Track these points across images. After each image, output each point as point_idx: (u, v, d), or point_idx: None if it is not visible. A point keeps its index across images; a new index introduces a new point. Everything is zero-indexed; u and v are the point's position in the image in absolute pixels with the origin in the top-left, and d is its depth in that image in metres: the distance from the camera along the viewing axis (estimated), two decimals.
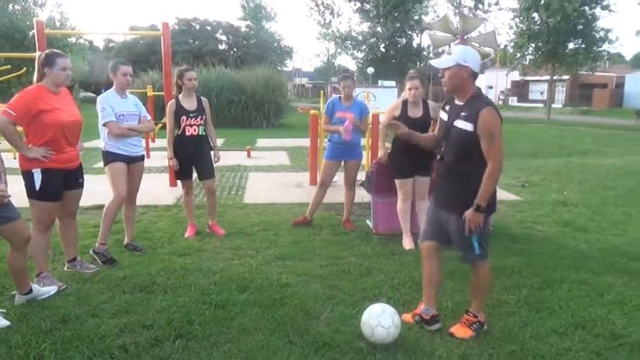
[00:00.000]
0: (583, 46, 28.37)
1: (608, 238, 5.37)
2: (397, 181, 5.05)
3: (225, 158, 10.83)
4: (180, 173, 5.15)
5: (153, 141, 13.18)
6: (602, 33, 28.31)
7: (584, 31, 27.90)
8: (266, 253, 4.71)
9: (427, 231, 3.32)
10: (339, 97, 5.52)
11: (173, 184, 7.67)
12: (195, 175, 5.23)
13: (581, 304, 3.63)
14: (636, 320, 3.40)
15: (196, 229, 5.32)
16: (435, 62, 3.07)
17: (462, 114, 2.98)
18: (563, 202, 7.05)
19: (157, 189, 7.57)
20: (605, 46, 29.18)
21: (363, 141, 6.58)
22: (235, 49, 48.67)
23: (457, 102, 3.08)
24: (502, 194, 7.31)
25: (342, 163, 5.61)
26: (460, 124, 2.98)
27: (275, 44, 53.54)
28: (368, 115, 5.71)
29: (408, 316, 3.40)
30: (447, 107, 3.17)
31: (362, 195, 6.26)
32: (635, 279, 4.12)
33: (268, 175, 9.28)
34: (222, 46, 50.70)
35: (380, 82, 14.42)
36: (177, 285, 3.86)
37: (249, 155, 11.63)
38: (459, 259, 3.19)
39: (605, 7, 27.72)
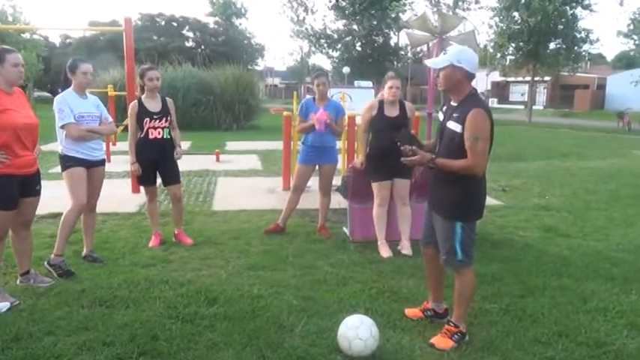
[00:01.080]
0: (564, 46, 29.17)
1: (591, 244, 5.50)
2: (374, 185, 5.08)
3: (193, 162, 10.74)
4: (143, 178, 5.09)
5: (114, 144, 12.98)
6: (583, 33, 29.16)
7: (564, 31, 28.68)
8: (236, 263, 4.67)
9: (424, 236, 3.44)
10: (313, 97, 5.54)
11: (136, 190, 7.56)
12: (159, 180, 5.17)
13: (564, 311, 3.71)
14: (620, 327, 3.48)
15: (161, 238, 5.26)
16: (429, 62, 3.19)
17: (454, 115, 3.07)
18: (545, 207, 7.20)
19: (119, 195, 7.46)
20: (586, 47, 30.11)
21: (339, 144, 6.61)
22: (203, 47, 48.36)
23: (452, 103, 3.17)
24: None
25: (317, 167, 5.62)
26: (451, 125, 3.07)
27: (246, 42, 53.38)
28: (344, 117, 5.74)
29: (414, 311, 3.56)
30: (444, 108, 3.26)
31: (338, 200, 6.27)
32: (618, 285, 4.23)
33: (238, 180, 9.23)
34: (189, 44, 50.32)
35: (356, 82, 14.54)
36: (140, 298, 3.80)
37: (218, 159, 11.54)
38: (441, 261, 3.25)
39: (586, 7, 28.56)
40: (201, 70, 22.42)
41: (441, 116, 3.25)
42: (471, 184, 3.07)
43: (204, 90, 20.92)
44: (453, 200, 3.08)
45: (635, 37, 27.04)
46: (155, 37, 46.60)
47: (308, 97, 5.65)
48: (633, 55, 36.21)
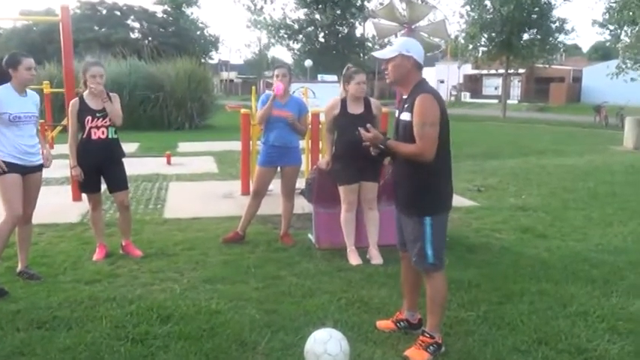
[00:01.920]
0: (538, 37, 29.95)
1: (570, 245, 5.66)
2: (341, 188, 5.11)
3: (141, 166, 10.57)
4: (86, 185, 4.99)
5: (51, 147, 12.67)
6: (557, 23, 30.02)
7: (539, 20, 29.48)
8: (192, 275, 4.63)
9: (399, 240, 3.50)
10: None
11: (77, 197, 7.41)
12: (104, 186, 5.07)
13: (544, 317, 3.80)
14: (601, 332, 3.59)
15: (107, 250, 5.16)
16: (377, 54, 3.30)
17: (406, 105, 3.19)
18: (522, 207, 7.38)
19: (58, 204, 7.30)
20: (562, 37, 30.99)
21: (302, 144, 6.62)
22: (151, 38, 47.72)
23: (404, 95, 3.29)
24: (456, 200, 7.50)
25: (279, 169, 5.61)
26: (403, 115, 3.19)
27: (198, 33, 52.94)
28: (307, 115, 5.76)
29: (386, 323, 3.59)
30: (399, 104, 3.37)
31: (302, 205, 6.27)
32: (598, 287, 4.37)
33: (192, 184, 9.15)
34: (134, 35, 49.57)
35: (320, 76, 14.62)
36: (84, 318, 3.72)
37: (169, 162, 11.40)
38: (412, 263, 3.29)
39: None
40: (148, 64, 22.11)
41: (397, 113, 3.36)
42: (431, 173, 3.16)
43: (152, 86, 20.63)
44: (416, 194, 3.17)
45: (611, 26, 27.94)
46: (96, 28, 45.73)
47: (268, 91, 5.64)
48: (609, 45, 37.42)
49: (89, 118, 4.83)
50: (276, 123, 5.40)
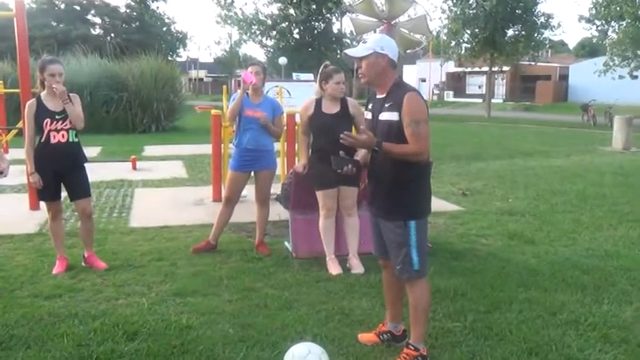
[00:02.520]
0: (523, 33, 30.38)
1: (559, 250, 5.75)
2: (318, 193, 5.12)
3: (104, 172, 10.45)
4: (45, 192, 4.92)
5: (5, 152, 12.44)
6: (543, 18, 30.50)
7: (523, 16, 29.91)
8: (160, 288, 4.60)
9: (377, 248, 3.51)
10: (247, 93, 5.53)
11: (35, 206, 7.30)
12: (64, 194, 5.01)
13: (533, 326, 3.85)
14: (593, 341, 3.65)
15: (68, 263, 5.10)
16: (350, 52, 3.32)
17: (386, 105, 3.21)
18: (509, 211, 7.47)
19: (14, 214, 7.21)
20: (547, 33, 31.47)
21: (277, 146, 6.62)
22: (113, 35, 47.27)
23: (378, 95, 3.31)
24: (440, 204, 7.62)
25: (252, 174, 5.60)
26: (385, 115, 3.20)
27: (164, 29, 52.55)
28: (282, 116, 5.76)
29: (368, 336, 3.61)
30: (370, 105, 3.40)
31: (278, 212, 6.26)
32: (589, 294, 4.44)
33: (160, 191, 9.09)
34: (95, 31, 49.02)
35: (295, 74, 14.62)
36: (44, 336, 3.67)
37: (134, 167, 11.30)
38: (395, 272, 3.31)
39: None
40: (111, 62, 21.88)
41: (368, 114, 3.38)
42: (416, 175, 3.21)
43: (115, 86, 20.42)
44: (400, 197, 3.20)
45: (598, 22, 28.51)
46: (54, 24, 45.11)
47: (239, 90, 5.63)
48: (596, 42, 38.16)
49: (48, 120, 4.77)
50: (249, 124, 5.40)
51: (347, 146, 3.20)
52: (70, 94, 4.92)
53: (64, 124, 4.81)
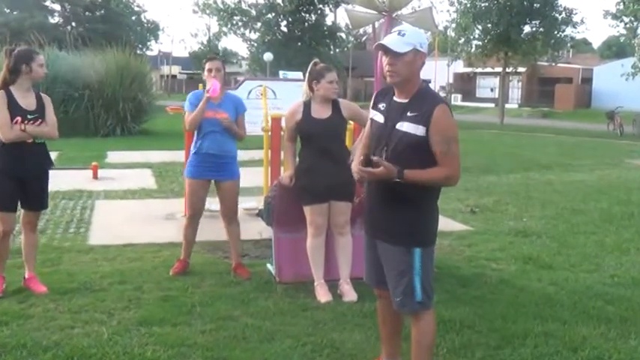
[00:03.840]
0: (541, 29, 30.57)
1: (580, 277, 5.76)
2: (306, 209, 5.11)
3: (61, 180, 10.39)
4: (2, 201, 4.86)
5: None
6: (564, 13, 30.71)
7: (542, 10, 30.13)
8: (123, 316, 4.57)
9: (371, 276, 3.47)
10: (204, 90, 5.54)
11: None
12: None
13: None
14: None
15: (3, 282, 5.05)
16: (389, 43, 3.13)
17: (409, 114, 3.12)
18: (523, 232, 7.49)
19: None
20: (569, 31, 31.69)
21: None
22: (74, 24, 47.26)
23: (397, 99, 3.22)
24: (446, 223, 7.62)
25: (212, 183, 5.59)
26: (407, 126, 3.11)
27: (133, 18, 52.64)
28: (243, 115, 5.71)
29: None
30: (381, 105, 3.29)
31: (260, 229, 6.24)
32: (614, 327, 4.45)
33: (125, 203, 9.06)
34: (54, 20, 49.03)
35: (281, 72, 14.62)
36: None
37: (95, 175, 11.27)
38: (394, 305, 3.29)
39: None
40: (71, 55, 21.82)
41: (378, 117, 3.30)
42: (428, 199, 3.19)
43: (76, 82, 20.35)
44: (409, 222, 3.16)
45: (626, 18, 28.68)
46: (7, 11, 45.08)
47: (199, 89, 5.64)
48: (624, 41, 38.48)
49: (19, 118, 4.76)
50: (211, 127, 5.40)
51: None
52: (41, 94, 4.95)
53: (35, 124, 4.81)
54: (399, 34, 3.17)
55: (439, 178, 3.11)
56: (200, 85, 10.83)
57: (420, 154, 3.07)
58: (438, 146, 3.05)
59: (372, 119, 3.37)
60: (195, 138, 5.58)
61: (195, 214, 5.65)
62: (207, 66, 5.47)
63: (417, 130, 3.07)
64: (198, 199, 5.61)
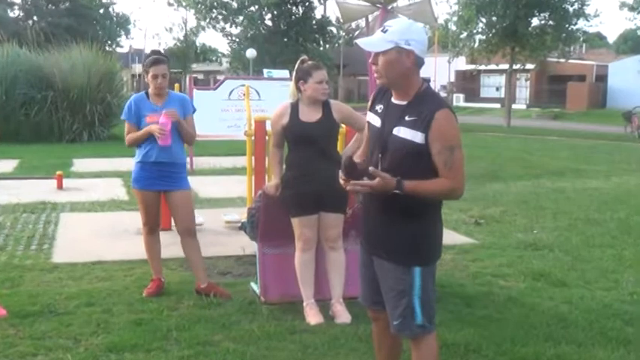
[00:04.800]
0: (551, 22, 30.75)
1: (596, 294, 5.78)
2: (294, 221, 5.10)
3: (21, 191, 10.35)
4: None
5: None
6: (576, 5, 30.89)
7: (552, 1, 30.30)
8: (91, 342, 4.55)
9: (366, 296, 3.45)
10: (146, 92, 5.53)
11: None
12: None
13: None
14: None
15: None
16: (363, 42, 3.17)
17: (407, 118, 3.08)
18: (534, 245, 7.51)
19: None
20: (581, 24, 31.88)
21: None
22: (36, 18, 47.13)
23: (395, 101, 3.18)
24: (448, 236, 7.62)
25: (162, 194, 5.60)
26: (404, 132, 3.07)
27: (101, 11, 52.56)
28: (191, 116, 5.69)
29: None
30: (379, 107, 3.26)
31: (242, 244, 6.23)
32: (633, 350, 4.47)
33: (93, 217, 9.05)
34: (13, 13, 48.86)
35: (266, 71, 14.61)
36: None
37: (60, 186, 11.21)
38: (392, 328, 3.28)
39: None
40: (33, 52, 21.76)
41: (375, 120, 3.27)
42: (431, 211, 3.17)
43: (38, 82, 20.30)
44: (409, 238, 3.13)
45: None
46: None
47: (139, 93, 5.63)
48: None
49: None
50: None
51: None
52: None
53: None
54: (382, 29, 3.14)
55: (442, 191, 3.07)
56: (176, 86, 10.92)
57: (421, 164, 3.04)
58: (439, 156, 3.01)
59: (369, 123, 3.33)
60: (139, 145, 5.55)
61: (152, 226, 5.67)
62: (150, 71, 5.40)
63: (415, 136, 3.03)
64: (154, 210, 5.63)
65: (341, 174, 3.06)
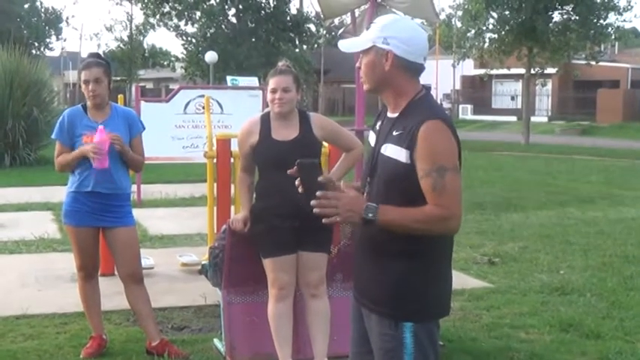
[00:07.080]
0: (576, 17, 31.01)
1: (637, 348, 5.79)
2: (267, 262, 5.08)
3: None
4: None
5: None
6: None
7: None
8: None
9: (357, 352, 3.38)
10: (84, 105, 5.51)
11: None
12: None
13: None
14: None
15: None
16: (344, 44, 3.17)
17: (394, 133, 3.03)
18: (561, 289, 7.52)
19: None
20: (612, 18, 32.18)
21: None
22: None
23: (389, 113, 3.16)
24: (456, 279, 7.61)
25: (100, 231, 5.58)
26: (389, 150, 3.02)
27: (26, 6, 52.58)
28: (139, 136, 5.68)
29: None
30: (379, 123, 3.23)
31: (203, 292, 6.21)
32: None
33: (18, 259, 9.04)
34: None
35: (230, 78, 14.56)
36: None
37: None
38: None
39: None
40: None
41: (372, 139, 3.25)
42: (427, 251, 3.04)
43: None
44: (396, 285, 3.04)
45: None
46: None
47: (74, 107, 5.63)
48: None
49: None
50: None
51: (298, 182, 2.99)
52: None
53: None
54: (365, 28, 3.17)
55: (430, 221, 2.91)
56: (120, 98, 10.92)
57: (409, 190, 2.94)
58: (426, 178, 2.89)
59: (369, 143, 3.30)
60: (72, 172, 5.50)
61: (90, 271, 5.65)
62: (82, 75, 5.41)
63: (400, 154, 2.96)
64: (90, 250, 5.58)
65: (296, 172, 2.94)
